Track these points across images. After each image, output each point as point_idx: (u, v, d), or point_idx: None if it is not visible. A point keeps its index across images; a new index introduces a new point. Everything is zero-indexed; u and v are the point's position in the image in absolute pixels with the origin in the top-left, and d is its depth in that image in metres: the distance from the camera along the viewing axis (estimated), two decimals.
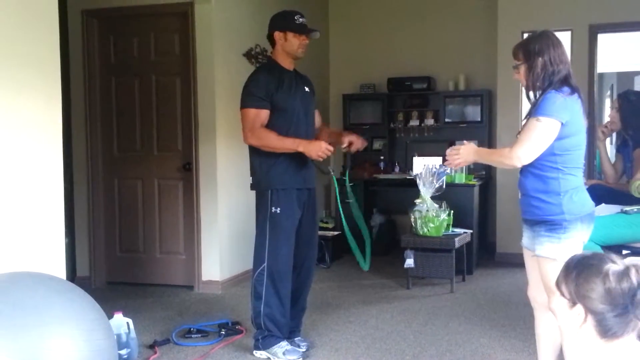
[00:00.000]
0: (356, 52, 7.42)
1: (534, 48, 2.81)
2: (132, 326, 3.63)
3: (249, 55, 5.58)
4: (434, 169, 5.12)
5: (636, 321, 1.56)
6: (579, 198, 2.81)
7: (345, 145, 3.79)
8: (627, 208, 3.99)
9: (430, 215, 5.19)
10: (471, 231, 5.66)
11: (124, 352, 3.50)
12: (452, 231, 5.39)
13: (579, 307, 1.60)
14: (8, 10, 3.02)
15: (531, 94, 2.88)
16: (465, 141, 3.09)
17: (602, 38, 6.32)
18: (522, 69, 2.87)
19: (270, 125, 3.62)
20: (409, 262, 5.23)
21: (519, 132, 2.90)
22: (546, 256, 2.75)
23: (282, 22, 3.68)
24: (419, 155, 6.43)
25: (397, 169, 7.09)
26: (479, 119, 6.82)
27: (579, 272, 1.63)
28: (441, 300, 4.98)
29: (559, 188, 2.78)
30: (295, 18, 3.66)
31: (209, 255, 5.32)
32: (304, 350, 3.79)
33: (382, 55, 7.29)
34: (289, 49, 3.68)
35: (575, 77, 2.87)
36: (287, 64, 3.74)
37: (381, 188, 7.00)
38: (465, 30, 7.00)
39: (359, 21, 7.43)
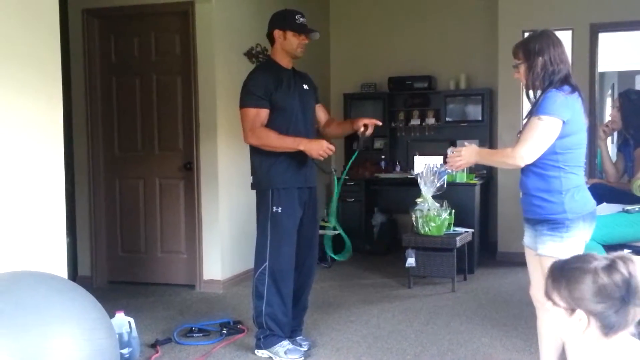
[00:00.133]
0: (357, 52, 7.43)
1: (534, 47, 2.81)
2: (133, 325, 3.63)
3: (249, 54, 5.58)
4: (435, 168, 5.12)
5: (635, 311, 1.57)
6: (581, 197, 2.81)
7: (362, 129, 3.71)
8: (629, 207, 3.99)
9: (431, 215, 5.19)
10: (472, 230, 5.66)
11: (125, 351, 3.50)
12: (454, 230, 5.39)
13: (580, 312, 1.59)
14: (8, 10, 3.02)
15: (531, 93, 2.89)
16: (466, 142, 3.09)
17: (603, 37, 6.31)
18: (522, 68, 2.86)
19: (269, 125, 3.62)
20: (411, 261, 5.23)
21: (520, 132, 2.90)
22: (549, 255, 2.75)
23: (282, 20, 3.68)
24: (420, 155, 6.43)
25: (398, 168, 7.09)
26: (480, 118, 6.82)
27: (567, 277, 1.62)
28: (442, 300, 4.98)
29: (561, 187, 2.77)
30: (296, 17, 3.65)
31: (211, 255, 5.32)
32: (306, 349, 3.79)
33: (383, 54, 7.29)
34: (288, 48, 3.67)
35: (575, 77, 2.87)
36: (285, 62, 3.73)
37: (382, 187, 7.00)
38: (466, 29, 7.00)
39: (360, 21, 7.43)
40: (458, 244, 5.22)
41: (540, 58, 2.79)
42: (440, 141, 6.87)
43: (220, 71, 5.25)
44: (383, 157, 7.18)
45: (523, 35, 5.67)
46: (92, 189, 5.57)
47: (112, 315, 3.25)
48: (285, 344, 3.71)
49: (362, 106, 7.26)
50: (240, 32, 5.51)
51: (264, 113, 3.61)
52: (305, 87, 3.81)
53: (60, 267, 3.30)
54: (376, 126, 3.73)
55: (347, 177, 6.89)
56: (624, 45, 8.98)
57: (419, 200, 5.23)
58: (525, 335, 3.99)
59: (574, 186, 2.79)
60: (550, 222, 2.77)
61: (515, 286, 5.27)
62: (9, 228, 3.02)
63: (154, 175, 5.50)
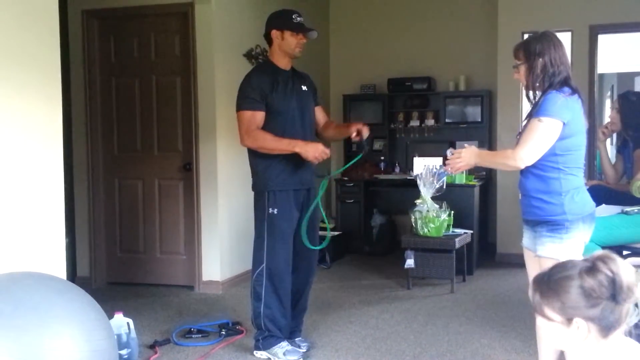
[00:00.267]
0: (356, 53, 7.43)
1: (535, 48, 2.81)
2: (132, 326, 3.62)
3: (249, 55, 5.58)
4: (434, 170, 5.12)
5: (627, 306, 1.57)
6: (580, 198, 2.81)
7: (354, 134, 3.71)
8: (628, 208, 3.99)
9: (430, 216, 5.19)
10: (471, 232, 5.66)
11: (124, 352, 3.50)
12: (453, 231, 5.39)
13: (578, 321, 1.58)
14: (8, 11, 3.02)
15: (531, 94, 2.89)
16: (466, 144, 3.09)
17: (602, 39, 6.32)
18: (522, 69, 2.87)
19: (265, 127, 3.61)
20: (410, 262, 5.23)
21: (519, 133, 2.90)
22: (548, 256, 2.75)
23: (279, 20, 3.67)
24: (419, 156, 6.43)
25: (397, 170, 7.09)
26: (480, 120, 6.82)
27: (555, 289, 1.60)
28: (441, 301, 4.98)
29: (561, 188, 2.78)
30: (293, 17, 3.65)
31: (210, 255, 5.32)
32: (305, 350, 3.79)
33: (383, 55, 7.29)
34: (286, 47, 3.67)
35: (574, 78, 2.87)
36: (283, 63, 3.72)
37: (381, 188, 7.00)
38: (465, 30, 7.00)
39: (360, 22, 7.43)
40: (457, 245, 5.22)
41: (540, 59, 2.79)
42: (439, 142, 6.88)
43: (220, 72, 5.25)
44: (382, 158, 7.17)
45: (522, 36, 5.67)
46: (91, 190, 5.57)
47: (110, 316, 3.24)
48: (284, 345, 3.71)
49: (362, 107, 7.26)
50: (239, 33, 5.51)
51: (259, 115, 3.60)
52: (304, 88, 3.79)
53: (59, 267, 3.29)
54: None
55: (346, 179, 6.96)
56: (623, 47, 9.00)
57: (418, 201, 5.23)
58: (524, 336, 3.99)
59: (574, 187, 2.80)
60: (550, 224, 2.78)
61: (514, 287, 5.27)
62: (8, 229, 3.01)
63: (153, 176, 5.50)
